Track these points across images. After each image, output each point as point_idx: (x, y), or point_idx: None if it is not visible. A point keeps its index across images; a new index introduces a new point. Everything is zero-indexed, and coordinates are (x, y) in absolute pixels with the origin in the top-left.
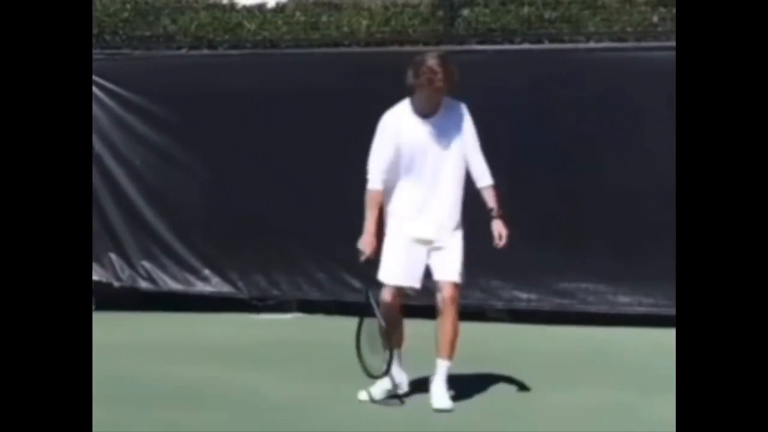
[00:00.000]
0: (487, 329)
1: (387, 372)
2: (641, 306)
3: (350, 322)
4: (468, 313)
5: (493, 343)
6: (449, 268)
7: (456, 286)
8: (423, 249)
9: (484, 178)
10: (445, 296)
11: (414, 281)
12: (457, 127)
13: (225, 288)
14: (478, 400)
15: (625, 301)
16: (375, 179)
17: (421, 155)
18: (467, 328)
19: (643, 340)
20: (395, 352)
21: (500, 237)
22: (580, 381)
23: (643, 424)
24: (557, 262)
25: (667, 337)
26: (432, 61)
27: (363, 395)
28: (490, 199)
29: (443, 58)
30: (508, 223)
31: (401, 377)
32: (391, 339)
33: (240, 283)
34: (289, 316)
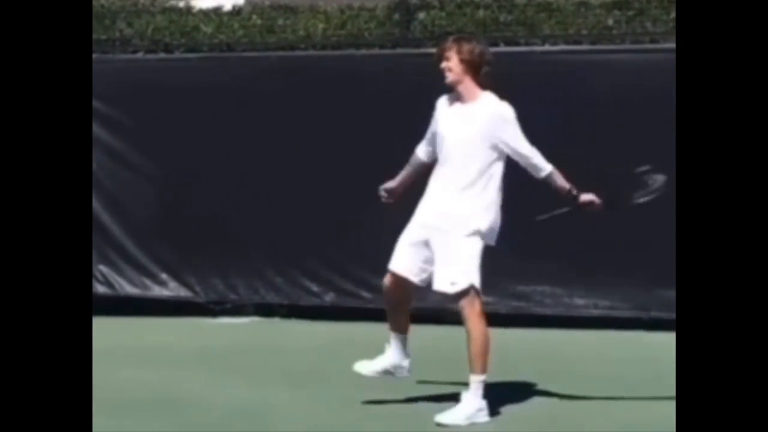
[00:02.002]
0: (443, 332)
1: None
2: (597, 308)
3: (307, 326)
4: (425, 316)
5: (449, 347)
6: (441, 276)
7: (453, 297)
8: (425, 241)
9: (537, 170)
10: (457, 308)
11: (409, 273)
12: (481, 122)
13: (182, 292)
14: (432, 403)
15: (581, 304)
16: (419, 146)
17: (441, 142)
18: (425, 331)
19: (599, 342)
20: (397, 336)
21: (592, 203)
22: (536, 383)
23: (599, 425)
24: (514, 265)
25: (622, 339)
26: (443, 46)
27: (358, 366)
28: (560, 183)
29: (455, 41)
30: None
31: (399, 361)
32: (391, 321)
33: (197, 288)
34: (246, 320)
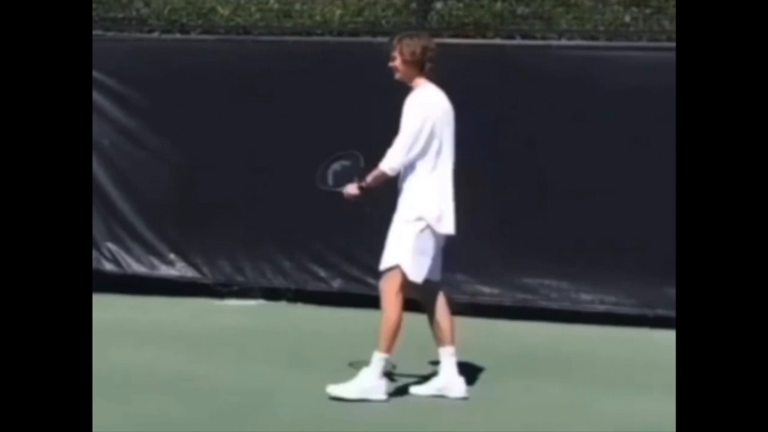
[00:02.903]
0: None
1: None
2: (602, 304)
3: (314, 311)
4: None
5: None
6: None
7: (384, 275)
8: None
9: (383, 160)
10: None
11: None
12: (405, 106)
13: (189, 272)
14: (437, 395)
15: (587, 299)
16: None
17: None
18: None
19: (603, 337)
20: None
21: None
22: (539, 377)
23: (599, 422)
24: (521, 257)
25: (626, 335)
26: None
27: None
28: (371, 173)
29: (398, 41)
30: (362, 192)
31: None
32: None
33: (205, 268)
34: (252, 302)
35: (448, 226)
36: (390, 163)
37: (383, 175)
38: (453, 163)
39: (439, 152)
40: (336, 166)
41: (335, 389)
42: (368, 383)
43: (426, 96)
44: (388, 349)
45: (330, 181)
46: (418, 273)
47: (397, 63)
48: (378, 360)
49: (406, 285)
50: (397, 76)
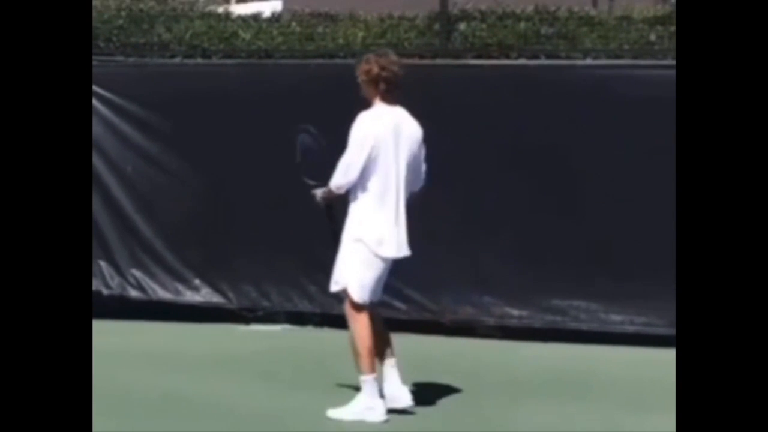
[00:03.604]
0: (477, 345)
1: None
2: (633, 325)
3: (340, 335)
4: (459, 328)
5: (483, 360)
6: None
7: (346, 298)
8: None
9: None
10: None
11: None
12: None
13: (215, 298)
14: (468, 416)
15: (617, 320)
16: None
17: None
18: (458, 343)
19: (634, 359)
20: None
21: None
22: (569, 399)
23: None
24: (549, 279)
25: (658, 356)
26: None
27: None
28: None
29: (359, 61)
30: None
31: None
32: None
33: (230, 294)
34: (278, 327)
35: (389, 249)
36: (334, 181)
37: (330, 192)
38: (416, 186)
39: (386, 174)
40: (306, 139)
41: (333, 412)
42: (364, 405)
43: (373, 117)
44: (371, 368)
45: (298, 152)
46: (362, 294)
47: (359, 80)
48: (366, 382)
49: (363, 303)
50: (362, 93)
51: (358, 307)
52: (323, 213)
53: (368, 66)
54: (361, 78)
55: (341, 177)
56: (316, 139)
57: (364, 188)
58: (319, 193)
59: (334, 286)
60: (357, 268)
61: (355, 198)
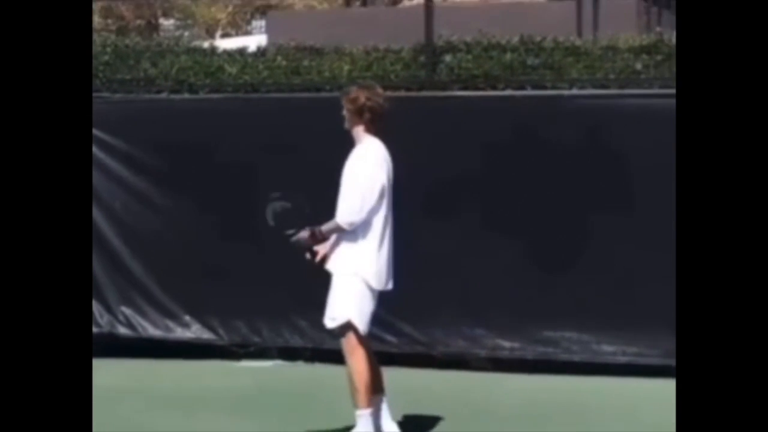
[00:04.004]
0: (469, 378)
1: None
2: (625, 355)
3: (332, 371)
4: (451, 361)
5: (475, 392)
6: (326, 313)
7: (336, 333)
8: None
9: (339, 213)
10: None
11: None
12: (352, 159)
13: (205, 334)
14: None
15: (609, 350)
16: None
17: None
18: (450, 376)
19: (627, 389)
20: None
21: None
22: (562, 431)
23: None
24: (541, 310)
25: (650, 386)
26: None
27: None
28: (326, 223)
29: (345, 92)
30: (313, 239)
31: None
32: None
33: (221, 330)
34: (269, 363)
35: (384, 282)
36: (348, 218)
37: (339, 229)
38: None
39: (387, 209)
40: (276, 206)
41: None
42: None
43: (374, 150)
44: (368, 403)
45: (270, 220)
46: (365, 325)
47: (344, 112)
48: (362, 417)
49: (362, 337)
50: (345, 125)
51: (356, 342)
52: (303, 254)
53: (354, 96)
54: (346, 108)
55: (356, 215)
56: (280, 198)
57: (368, 224)
58: (304, 235)
59: (331, 323)
60: (356, 301)
61: (356, 233)
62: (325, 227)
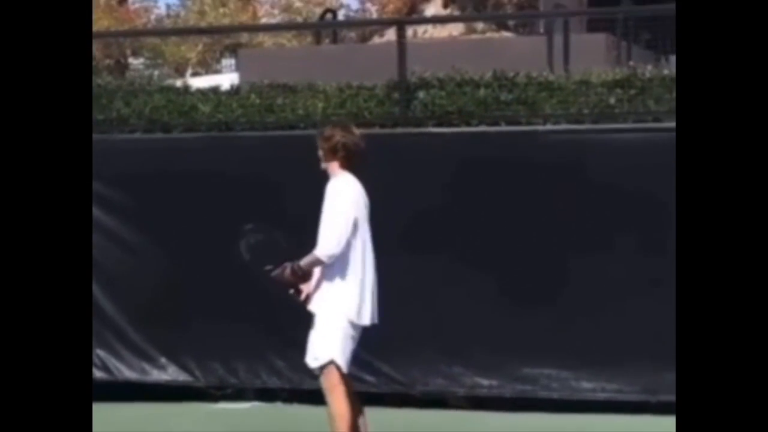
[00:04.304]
0: (448, 417)
1: None
2: (604, 392)
3: (310, 411)
4: (430, 400)
5: None
6: (307, 353)
7: (321, 373)
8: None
9: (318, 247)
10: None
11: None
12: (327, 194)
13: (182, 376)
14: None
15: (588, 387)
16: None
17: None
18: (429, 415)
19: (607, 426)
20: None
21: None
22: None
23: None
24: (519, 347)
25: (630, 423)
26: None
27: None
28: (305, 257)
29: (319, 131)
30: (294, 274)
31: None
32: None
33: (197, 372)
34: (247, 405)
35: (366, 316)
36: (326, 251)
37: (319, 262)
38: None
39: (363, 242)
40: (250, 238)
41: None
42: None
43: (349, 185)
44: None
45: (245, 253)
46: (346, 366)
47: (319, 151)
48: None
49: (344, 376)
50: (321, 165)
51: (337, 381)
52: (285, 290)
53: (329, 134)
54: (322, 146)
55: (335, 246)
56: (254, 230)
57: (345, 260)
58: (285, 271)
59: (314, 362)
60: (338, 340)
61: (332, 269)
62: (305, 262)
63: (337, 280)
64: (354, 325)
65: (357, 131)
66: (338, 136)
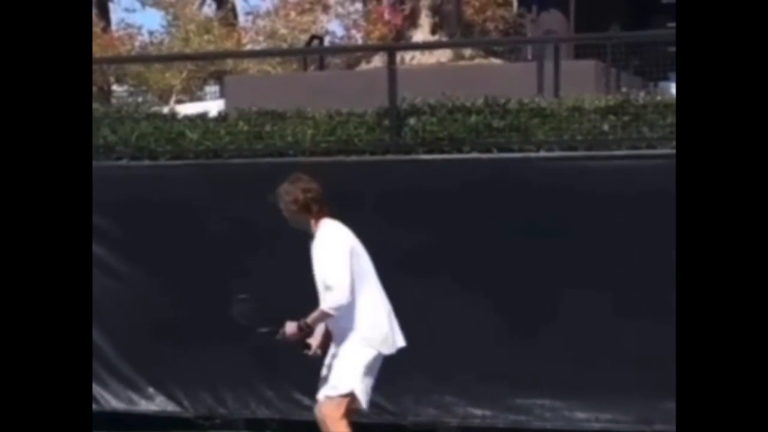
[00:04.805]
0: None
1: None
2: (598, 422)
3: None
4: (421, 431)
5: None
6: (326, 384)
7: (328, 399)
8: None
9: (322, 301)
10: (316, 412)
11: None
12: (314, 252)
13: (170, 407)
14: None
15: (582, 417)
16: None
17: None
18: None
19: None
20: None
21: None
22: None
23: None
24: (512, 377)
25: None
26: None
27: None
28: (311, 315)
29: (289, 181)
30: (300, 331)
31: None
32: None
33: (185, 402)
34: None
35: (391, 345)
36: (333, 303)
37: (327, 316)
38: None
39: (370, 274)
40: (242, 307)
41: None
42: None
43: (333, 229)
44: None
45: (242, 320)
46: (365, 399)
47: (286, 214)
48: None
49: (350, 410)
50: (295, 222)
51: (342, 414)
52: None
53: (291, 196)
54: (290, 210)
55: (342, 298)
56: (245, 300)
57: (365, 293)
58: (291, 328)
59: (332, 391)
60: (362, 373)
61: (350, 307)
62: (311, 318)
63: (358, 315)
64: (378, 358)
65: (308, 178)
66: (301, 195)
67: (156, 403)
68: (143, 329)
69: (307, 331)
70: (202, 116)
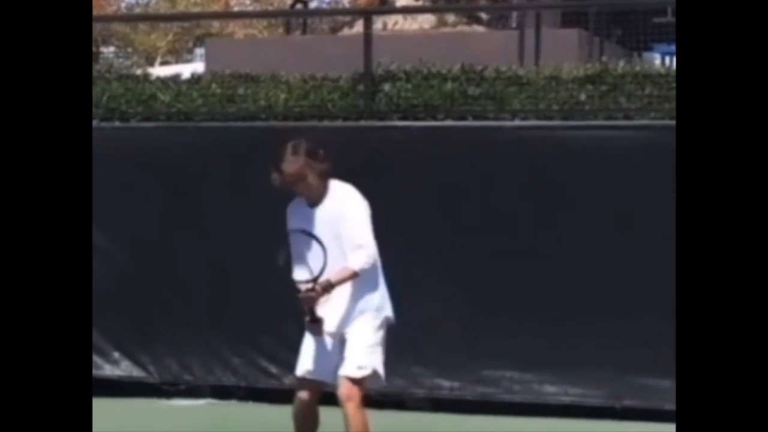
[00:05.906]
0: (407, 418)
1: None
2: (567, 396)
3: (265, 410)
4: (388, 401)
5: None
6: (347, 362)
7: (352, 381)
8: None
9: (350, 260)
10: (339, 393)
11: (323, 375)
12: (338, 213)
13: (135, 372)
14: None
15: (552, 391)
16: None
17: (310, 245)
18: (386, 416)
19: (568, 430)
20: None
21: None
22: None
23: None
24: (481, 348)
25: (594, 428)
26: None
27: None
28: (335, 273)
29: (292, 146)
30: (324, 291)
31: None
32: None
33: (151, 367)
34: (201, 402)
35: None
36: (364, 263)
37: (354, 276)
38: None
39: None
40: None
41: None
42: None
43: (355, 191)
44: None
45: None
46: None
47: (289, 179)
48: None
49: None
50: (300, 189)
51: (362, 394)
52: (304, 311)
53: (295, 165)
54: (309, 176)
55: (370, 257)
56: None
57: (376, 265)
58: (318, 288)
59: (359, 371)
60: (382, 350)
61: (370, 274)
62: (337, 278)
63: (378, 285)
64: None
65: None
66: (317, 163)
67: (121, 368)
68: (110, 294)
69: (329, 291)
70: (175, 78)
